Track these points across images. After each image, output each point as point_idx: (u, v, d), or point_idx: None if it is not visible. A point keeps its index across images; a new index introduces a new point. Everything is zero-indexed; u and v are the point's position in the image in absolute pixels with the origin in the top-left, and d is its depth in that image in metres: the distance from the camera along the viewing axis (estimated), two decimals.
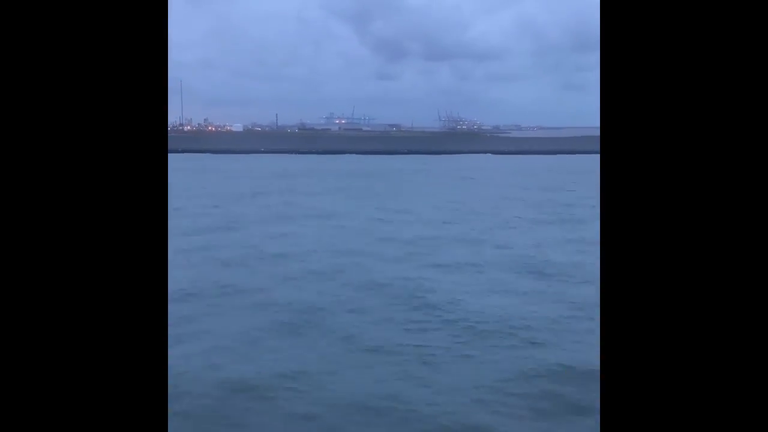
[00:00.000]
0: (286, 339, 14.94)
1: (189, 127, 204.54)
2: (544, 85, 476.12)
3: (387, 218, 34.77)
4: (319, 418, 10.85)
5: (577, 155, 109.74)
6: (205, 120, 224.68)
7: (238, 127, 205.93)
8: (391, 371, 12.93)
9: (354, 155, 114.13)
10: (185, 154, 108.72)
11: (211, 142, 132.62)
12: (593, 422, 10.39)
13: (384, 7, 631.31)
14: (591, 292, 18.24)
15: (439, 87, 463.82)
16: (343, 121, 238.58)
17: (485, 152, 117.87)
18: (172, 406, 10.54)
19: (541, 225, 32.88)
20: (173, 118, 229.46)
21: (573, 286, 19.74)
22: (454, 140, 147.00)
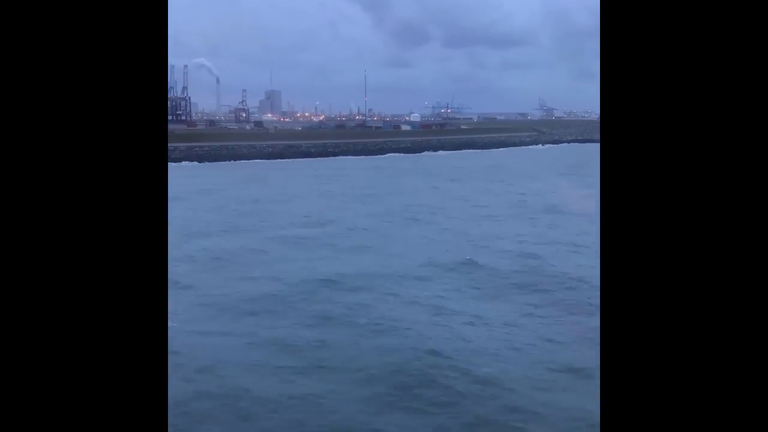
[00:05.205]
0: None
1: (359, 116, 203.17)
2: (560, 73, 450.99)
3: None
4: None
5: None
6: (361, 111, 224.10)
7: (416, 117, 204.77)
8: None
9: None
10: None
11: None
12: None
13: None
14: None
15: (452, 75, 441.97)
16: (449, 111, 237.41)
17: None
18: None
19: None
20: (334, 111, 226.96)
21: None
22: None
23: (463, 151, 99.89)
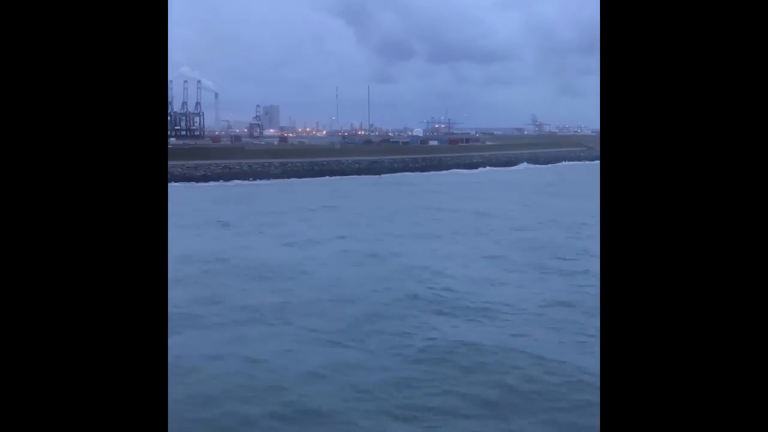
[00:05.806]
0: None
1: (361, 131, 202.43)
2: (544, 88, 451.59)
3: None
4: None
5: None
6: (363, 126, 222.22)
7: (418, 132, 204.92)
8: None
9: None
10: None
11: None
12: None
13: (393, 3, 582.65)
14: None
15: (435, 90, 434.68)
16: (442, 126, 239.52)
17: None
18: None
19: None
20: (335, 126, 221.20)
21: None
22: None
23: (523, 164, 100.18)
